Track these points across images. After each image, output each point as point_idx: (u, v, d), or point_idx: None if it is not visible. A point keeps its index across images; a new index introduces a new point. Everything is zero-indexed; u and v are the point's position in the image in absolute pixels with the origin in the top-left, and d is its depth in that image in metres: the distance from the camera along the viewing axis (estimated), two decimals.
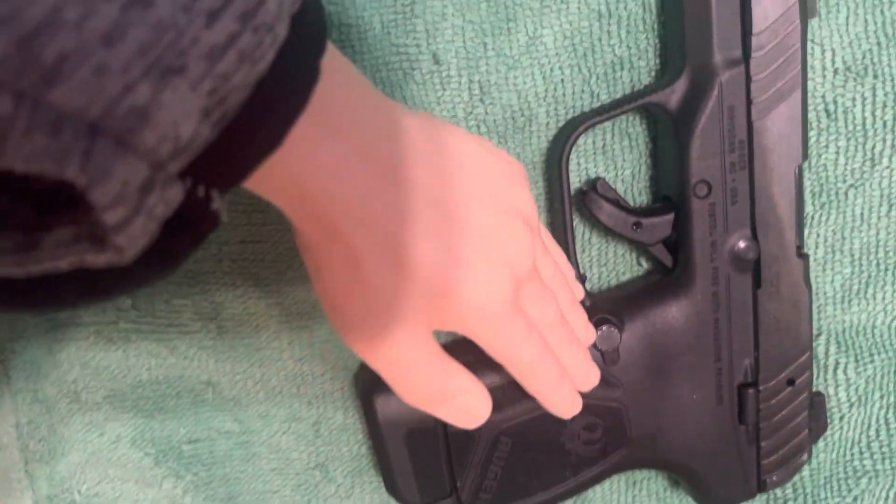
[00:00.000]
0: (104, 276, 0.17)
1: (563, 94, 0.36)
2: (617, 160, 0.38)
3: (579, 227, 0.39)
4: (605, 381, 0.37)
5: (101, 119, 0.15)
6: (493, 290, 0.28)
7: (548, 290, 0.31)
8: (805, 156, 0.36)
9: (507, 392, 0.36)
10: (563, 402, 0.33)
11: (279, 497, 0.41)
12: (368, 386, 0.37)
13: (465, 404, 0.30)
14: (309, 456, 0.41)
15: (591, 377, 0.35)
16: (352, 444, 0.41)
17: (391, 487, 0.38)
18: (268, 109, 0.19)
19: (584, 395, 0.37)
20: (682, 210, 0.36)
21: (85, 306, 0.19)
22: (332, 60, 0.23)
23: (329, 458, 0.41)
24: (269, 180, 0.23)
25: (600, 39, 0.36)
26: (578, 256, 0.39)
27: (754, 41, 0.34)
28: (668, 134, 0.36)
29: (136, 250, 0.17)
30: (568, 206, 0.36)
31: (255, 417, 0.40)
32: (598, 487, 0.42)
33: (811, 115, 0.38)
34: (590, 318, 0.36)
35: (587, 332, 0.35)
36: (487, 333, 0.29)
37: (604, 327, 0.36)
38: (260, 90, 0.18)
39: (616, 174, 0.38)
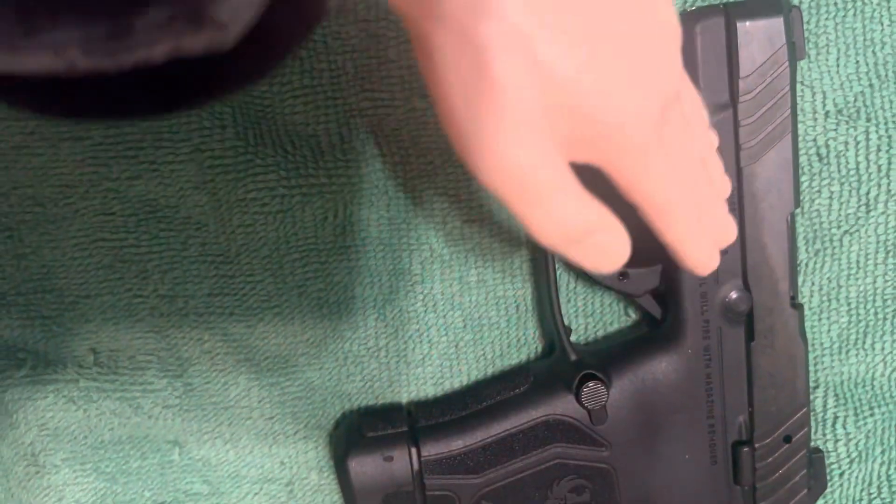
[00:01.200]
0: (203, 68, 0.15)
1: None
2: None
3: (564, 277, 0.37)
4: (592, 440, 0.35)
5: None
6: (639, 105, 0.24)
7: (689, 125, 0.28)
8: (797, 203, 0.34)
9: (489, 454, 0.35)
10: (703, 252, 0.29)
11: None
12: (342, 447, 0.35)
13: (604, 243, 0.26)
14: None
15: (729, 231, 0.30)
16: (320, 473, 0.39)
17: None
18: None
19: (570, 456, 0.35)
20: (670, 259, 0.34)
21: (176, 111, 0.16)
22: None
23: None
24: None
25: None
26: (563, 307, 0.37)
27: (741, 85, 0.33)
28: None
29: (239, 27, 0.15)
30: (550, 255, 0.35)
31: (225, 478, 0.38)
32: None
33: (802, 159, 0.36)
34: (575, 374, 0.35)
35: (725, 182, 0.31)
36: (628, 159, 0.25)
37: (590, 384, 0.34)
38: None
39: None
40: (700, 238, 0.29)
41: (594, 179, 0.26)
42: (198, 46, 0.15)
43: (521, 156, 0.23)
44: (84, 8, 0.13)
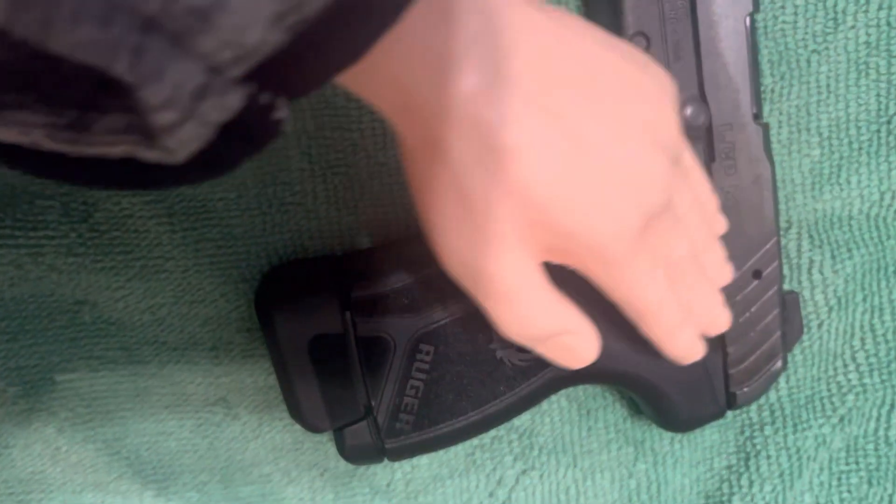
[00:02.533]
0: (155, 170, 0.17)
1: None
2: None
3: None
4: None
5: (158, 16, 0.13)
6: (617, 225, 0.25)
7: (680, 226, 0.27)
8: (757, 5, 0.31)
9: (428, 288, 0.31)
10: (683, 347, 0.30)
11: (175, 439, 0.35)
12: (265, 290, 0.32)
13: (570, 344, 0.28)
14: (208, 389, 0.35)
15: (719, 321, 0.31)
16: (257, 374, 0.35)
17: (295, 411, 0.32)
18: (353, 18, 0.16)
19: None
20: None
21: (133, 191, 0.19)
22: None
23: (231, 390, 0.35)
24: (362, 78, 0.21)
25: None
26: None
27: None
28: None
29: (187, 153, 0.16)
30: None
31: (143, 343, 0.34)
32: (545, 418, 0.37)
33: None
34: None
35: (722, 272, 0.31)
36: (605, 272, 0.26)
37: None
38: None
39: None
40: (681, 335, 0.29)
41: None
42: (150, 157, 0.16)
43: (491, 266, 0.24)
44: (49, 98, 0.15)
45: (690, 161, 0.30)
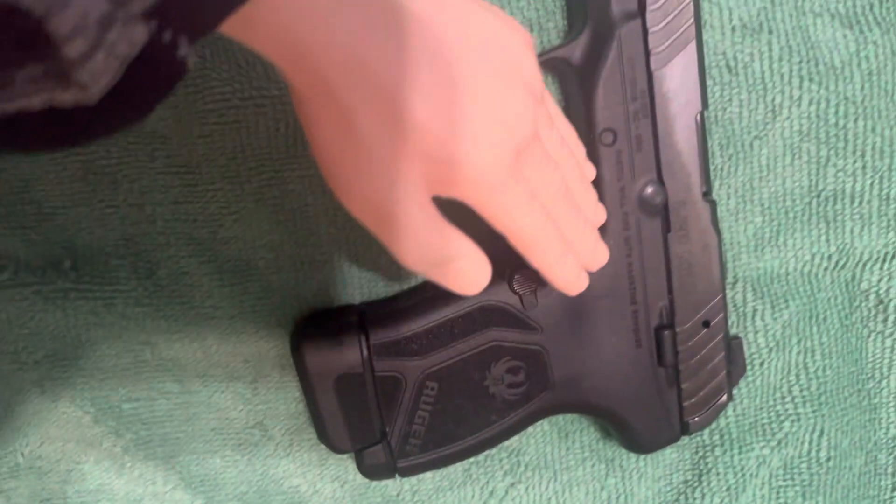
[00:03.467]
0: (75, 118, 0.18)
1: None
2: None
3: None
4: (524, 324, 0.38)
5: None
6: (493, 154, 0.27)
7: (550, 161, 0.30)
8: (705, 104, 0.38)
9: (432, 337, 0.38)
10: (567, 275, 0.32)
11: (220, 456, 0.42)
12: (298, 334, 0.39)
13: (464, 268, 0.29)
14: (248, 415, 0.42)
15: (598, 254, 0.34)
16: (289, 402, 0.42)
17: (322, 435, 0.39)
18: None
19: (504, 339, 0.38)
20: (591, 158, 0.38)
21: (59, 148, 0.19)
22: None
23: (267, 416, 0.42)
24: (253, 28, 0.22)
25: (509, 2, 0.38)
26: None
27: None
28: (574, 87, 0.38)
29: (100, 88, 0.17)
30: None
31: (193, 377, 0.41)
32: (530, 440, 0.43)
33: (714, 71, 0.40)
34: (505, 268, 0.38)
35: (597, 211, 0.34)
36: (487, 200, 0.28)
37: (520, 272, 0.38)
38: None
39: None
40: (564, 264, 0.32)
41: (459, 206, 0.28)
42: (67, 101, 0.17)
43: (383, 194, 0.26)
44: None
45: (556, 110, 0.33)
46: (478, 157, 0.26)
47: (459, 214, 0.29)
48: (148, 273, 0.39)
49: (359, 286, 0.41)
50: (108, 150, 0.38)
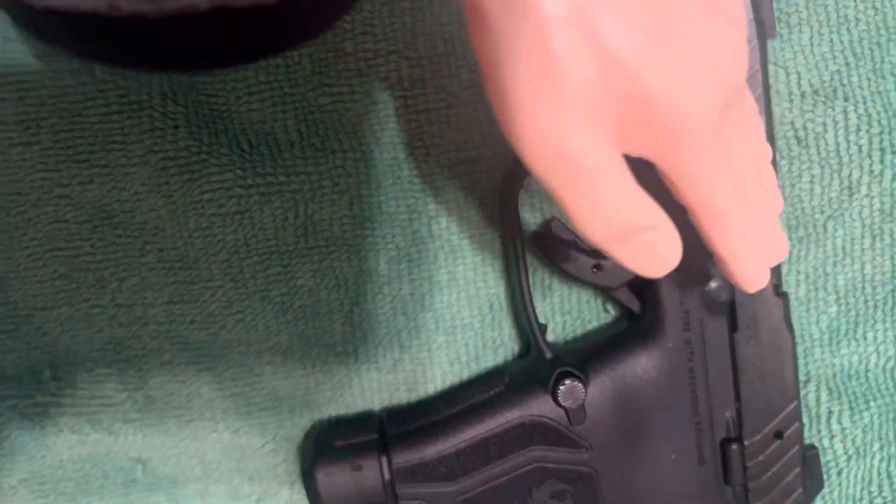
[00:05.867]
0: (246, 25, 0.15)
1: None
2: None
3: (539, 274, 0.36)
4: (571, 442, 0.33)
5: None
6: (703, 95, 0.23)
7: (752, 122, 0.26)
8: None
9: (463, 460, 0.33)
10: (754, 266, 0.28)
11: None
12: (310, 458, 0.34)
13: (654, 243, 0.25)
14: None
15: (780, 247, 0.29)
16: (292, 492, 0.37)
17: None
18: None
19: (548, 459, 0.33)
20: None
21: (222, 67, 0.15)
22: None
23: None
24: None
25: None
26: (539, 305, 0.36)
27: None
28: None
29: None
30: (521, 251, 0.34)
31: (192, 496, 0.36)
32: None
33: (781, 143, 0.35)
34: (551, 373, 0.33)
35: (777, 197, 0.29)
36: (685, 153, 0.24)
37: (566, 381, 0.33)
38: None
39: None
40: (752, 250, 0.27)
41: (642, 179, 0.24)
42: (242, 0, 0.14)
43: (574, 141, 0.22)
44: None
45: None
46: (685, 100, 0.23)
47: None
48: (139, 383, 0.35)
49: (378, 392, 0.36)
50: (92, 244, 0.34)
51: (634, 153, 0.24)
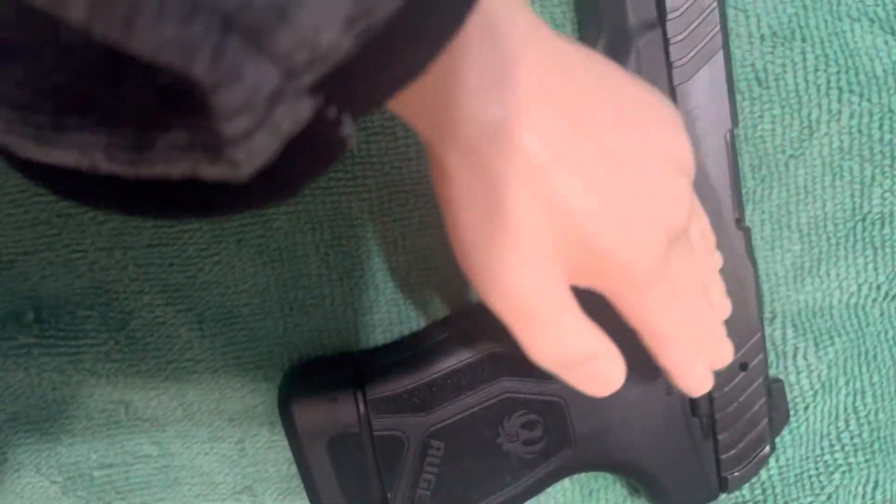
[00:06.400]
0: (217, 191, 0.16)
1: None
2: None
3: None
4: (540, 373, 0.34)
5: (236, 13, 0.13)
6: (646, 244, 0.25)
7: (694, 256, 0.28)
8: (735, 121, 0.34)
9: (435, 391, 0.34)
10: (697, 377, 0.30)
11: None
12: (286, 390, 0.35)
13: (599, 370, 0.27)
14: (235, 479, 0.38)
15: (725, 353, 0.31)
16: (280, 464, 0.38)
17: (313, 499, 0.35)
18: (418, 28, 0.16)
19: (518, 390, 0.34)
20: None
21: (194, 219, 0.18)
22: None
23: (256, 480, 0.38)
24: (411, 101, 0.21)
25: None
26: None
27: (668, 2, 0.33)
28: None
29: (254, 167, 0.15)
30: None
31: (174, 438, 0.37)
32: (550, 500, 0.39)
33: (742, 85, 0.36)
34: None
35: (724, 305, 0.32)
36: (631, 291, 0.26)
37: None
38: (412, 4, 0.16)
39: None
40: (695, 363, 0.29)
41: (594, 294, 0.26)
42: (212, 175, 0.15)
43: (523, 284, 0.24)
44: (111, 118, 0.14)
45: (697, 205, 0.31)
46: (632, 247, 0.25)
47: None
48: (120, 324, 0.35)
49: (354, 332, 0.37)
50: None
51: (584, 285, 0.26)
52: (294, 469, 0.38)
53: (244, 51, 0.14)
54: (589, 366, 0.27)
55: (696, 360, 0.29)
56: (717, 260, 0.33)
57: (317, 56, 0.15)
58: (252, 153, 0.15)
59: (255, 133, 0.15)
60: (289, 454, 0.38)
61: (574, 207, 0.23)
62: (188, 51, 0.13)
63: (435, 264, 0.37)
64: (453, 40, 0.17)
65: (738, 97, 0.36)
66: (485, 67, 0.21)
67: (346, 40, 0.15)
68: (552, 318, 0.25)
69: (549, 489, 0.39)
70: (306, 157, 0.16)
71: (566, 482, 0.39)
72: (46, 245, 0.35)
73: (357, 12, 0.15)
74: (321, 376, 0.35)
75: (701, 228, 0.30)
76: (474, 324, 0.35)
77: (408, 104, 0.22)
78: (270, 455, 0.38)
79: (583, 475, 0.39)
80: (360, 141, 0.35)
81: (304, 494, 0.38)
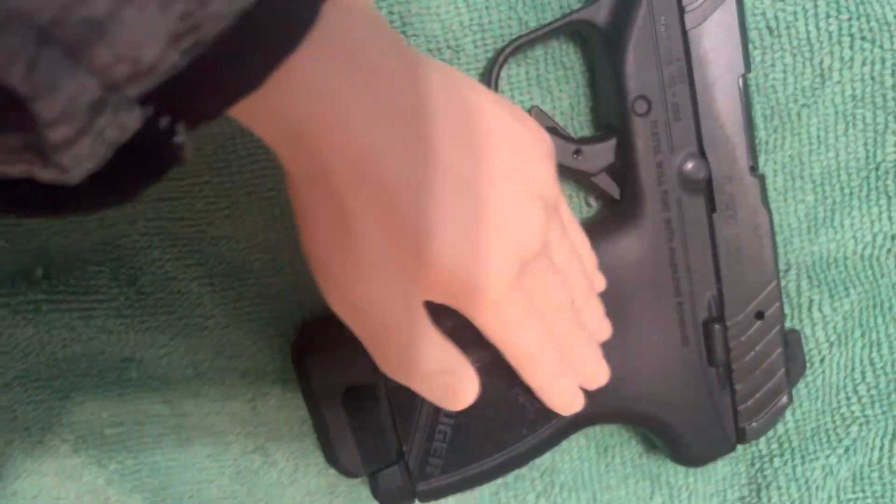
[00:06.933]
0: (56, 192, 0.17)
1: (490, 22, 0.35)
2: (553, 91, 0.36)
3: None
4: None
5: (52, 26, 0.14)
6: (497, 267, 0.25)
7: (557, 274, 0.28)
8: (748, 67, 0.34)
9: (451, 339, 0.33)
10: (562, 396, 0.31)
11: (216, 486, 0.38)
12: (300, 343, 0.34)
13: (450, 384, 0.28)
14: (246, 438, 0.37)
15: (599, 374, 0.32)
16: (293, 423, 0.37)
17: (330, 457, 0.34)
18: (250, 46, 0.17)
19: None
20: (624, 132, 0.34)
21: (37, 217, 0.19)
22: None
23: (269, 439, 0.37)
24: (256, 112, 0.21)
25: None
26: None
27: None
28: (601, 52, 0.34)
29: (83, 172, 0.16)
30: None
31: (185, 397, 0.37)
32: (565, 457, 0.39)
33: (753, 34, 0.36)
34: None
35: (601, 326, 0.33)
36: (483, 312, 0.27)
37: None
38: (244, 23, 0.16)
39: (554, 106, 0.36)
40: (558, 384, 0.30)
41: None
42: (46, 178, 0.16)
43: (372, 300, 0.24)
44: None
45: (569, 218, 0.31)
46: (478, 269, 0.25)
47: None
48: (130, 280, 0.35)
49: None
50: None
51: (437, 301, 0.26)
52: (306, 428, 0.37)
53: (61, 63, 0.14)
54: (438, 380, 0.27)
55: (558, 378, 0.30)
56: (599, 281, 0.33)
57: (140, 70, 0.15)
58: (78, 159, 0.15)
59: (77, 140, 0.15)
60: (301, 413, 0.37)
61: (420, 231, 0.24)
62: (3, 61, 0.13)
63: None
64: (283, 62, 0.18)
65: (750, 47, 0.36)
66: (335, 88, 0.21)
67: (173, 56, 0.15)
68: (401, 335, 0.25)
69: (564, 445, 0.38)
70: (139, 163, 0.17)
71: (581, 439, 0.39)
72: None
73: (182, 30, 0.15)
74: (336, 330, 0.34)
75: (571, 251, 0.30)
76: None
77: (255, 118, 0.22)
78: (282, 414, 0.37)
79: (598, 431, 0.39)
80: None
81: (317, 455, 0.38)
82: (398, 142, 0.23)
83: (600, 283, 0.33)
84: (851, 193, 0.37)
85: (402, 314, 0.25)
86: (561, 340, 0.29)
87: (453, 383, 0.28)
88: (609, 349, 0.34)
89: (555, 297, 0.28)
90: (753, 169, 0.34)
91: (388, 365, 0.26)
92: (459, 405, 0.28)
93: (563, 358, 0.30)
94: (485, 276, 0.25)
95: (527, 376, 0.30)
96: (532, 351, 0.29)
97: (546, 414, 0.34)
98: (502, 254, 0.25)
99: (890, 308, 0.38)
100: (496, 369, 0.34)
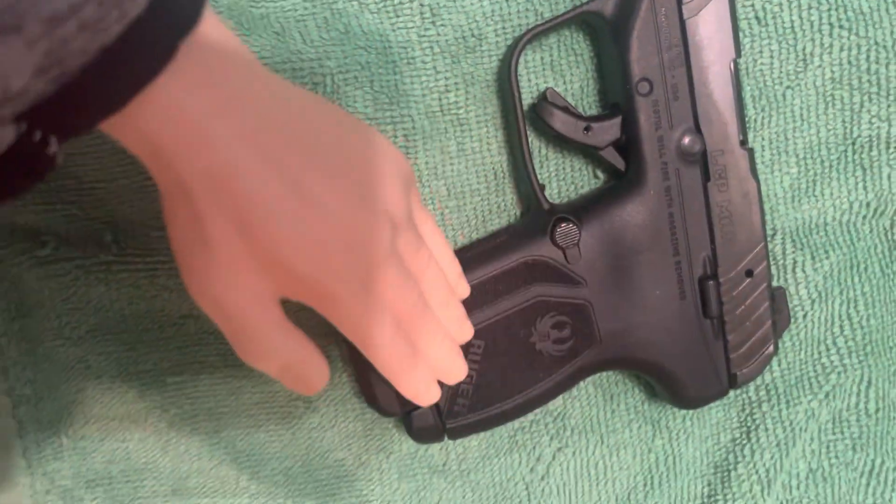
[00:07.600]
0: None
1: (509, 14, 0.39)
2: (566, 75, 0.40)
3: (535, 144, 0.41)
4: (568, 279, 0.38)
5: None
6: (338, 272, 0.28)
7: (408, 278, 0.31)
8: (738, 52, 0.38)
9: (476, 295, 0.38)
10: (413, 389, 0.33)
11: (264, 430, 0.42)
12: None
13: (302, 373, 0.30)
14: None
15: (454, 369, 0.35)
16: (333, 372, 0.41)
17: (370, 398, 0.38)
18: (110, 76, 0.20)
19: (549, 294, 0.38)
20: (628, 110, 0.38)
21: None
22: (210, 34, 0.25)
23: None
24: (120, 129, 0.24)
25: None
26: (537, 171, 0.41)
27: None
28: (608, 40, 0.38)
29: None
30: (521, 118, 0.39)
31: None
32: (576, 403, 0.43)
33: (743, 24, 0.40)
34: (549, 219, 0.38)
35: (461, 329, 0.35)
36: (333, 312, 0.30)
37: (562, 225, 0.38)
38: (105, 57, 0.20)
39: (566, 89, 0.40)
40: (410, 376, 0.32)
41: None
42: None
43: (227, 297, 0.27)
44: None
45: (433, 231, 0.35)
46: (324, 274, 0.28)
47: None
48: None
49: None
50: None
51: (292, 299, 0.29)
52: (344, 377, 0.42)
53: None
54: (292, 370, 0.30)
55: (408, 371, 0.32)
56: (462, 288, 0.36)
57: (9, 96, 0.18)
58: None
59: None
60: (340, 364, 0.42)
61: (268, 240, 0.26)
62: None
63: (471, 189, 0.41)
64: (143, 90, 0.21)
65: (741, 35, 0.40)
66: (193, 113, 0.24)
67: (39, 85, 0.18)
68: (254, 328, 0.28)
69: (575, 392, 0.43)
70: (15, 170, 0.20)
71: (590, 387, 0.43)
72: (122, 173, 0.39)
73: (47, 64, 0.18)
74: None
75: (429, 257, 0.33)
76: (510, 237, 0.39)
77: (123, 135, 0.24)
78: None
79: (605, 380, 0.43)
80: (402, 77, 0.39)
81: (354, 402, 0.42)
82: (251, 162, 0.25)
83: (464, 289, 0.36)
84: (831, 166, 0.42)
85: (252, 310, 0.28)
86: (413, 336, 0.32)
87: (304, 372, 0.30)
88: (615, 302, 0.39)
89: (406, 300, 0.31)
90: (743, 143, 0.39)
91: (243, 353, 0.29)
92: (314, 391, 0.31)
93: (415, 352, 0.32)
94: (331, 284, 0.28)
95: (378, 367, 0.32)
96: (380, 346, 0.31)
97: (560, 360, 0.39)
98: (349, 263, 0.28)
99: (865, 269, 0.42)
100: (515, 320, 0.38)
